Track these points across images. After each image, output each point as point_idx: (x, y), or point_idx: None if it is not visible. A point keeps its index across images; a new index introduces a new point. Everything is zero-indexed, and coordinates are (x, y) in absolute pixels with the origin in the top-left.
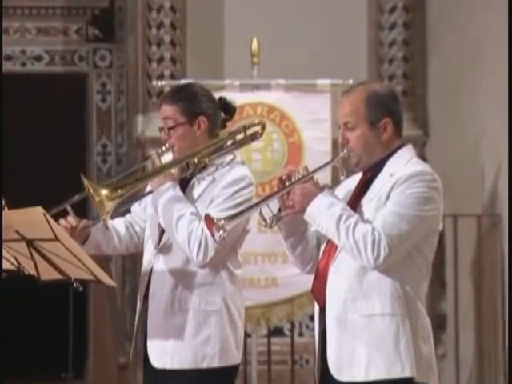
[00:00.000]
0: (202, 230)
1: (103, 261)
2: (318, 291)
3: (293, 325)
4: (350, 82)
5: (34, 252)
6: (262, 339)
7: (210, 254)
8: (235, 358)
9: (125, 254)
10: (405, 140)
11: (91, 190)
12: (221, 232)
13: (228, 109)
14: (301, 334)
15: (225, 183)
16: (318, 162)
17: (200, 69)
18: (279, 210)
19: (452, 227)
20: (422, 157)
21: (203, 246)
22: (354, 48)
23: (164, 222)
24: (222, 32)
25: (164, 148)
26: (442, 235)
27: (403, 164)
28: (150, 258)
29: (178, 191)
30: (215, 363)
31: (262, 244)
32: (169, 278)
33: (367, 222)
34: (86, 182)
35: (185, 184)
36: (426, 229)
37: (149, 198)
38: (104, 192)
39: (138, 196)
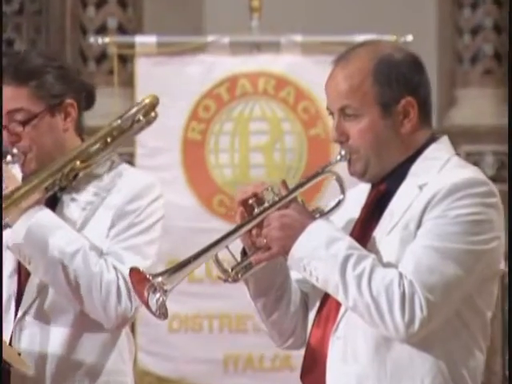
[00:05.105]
0: (115, 269)
1: None
2: (313, 376)
3: None
4: (409, 38)
5: None
6: None
7: (135, 303)
8: None
9: None
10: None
11: None
12: (158, 295)
13: (89, 86)
14: None
15: (125, 198)
16: None
17: (166, 18)
18: (244, 254)
19: None
20: None
21: (124, 293)
22: None
23: (43, 265)
24: None
25: (11, 156)
26: None
27: (437, 169)
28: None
29: (53, 216)
30: None
31: None
32: (53, 354)
33: (389, 265)
34: None
35: (50, 205)
36: (483, 271)
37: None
38: None
39: None
